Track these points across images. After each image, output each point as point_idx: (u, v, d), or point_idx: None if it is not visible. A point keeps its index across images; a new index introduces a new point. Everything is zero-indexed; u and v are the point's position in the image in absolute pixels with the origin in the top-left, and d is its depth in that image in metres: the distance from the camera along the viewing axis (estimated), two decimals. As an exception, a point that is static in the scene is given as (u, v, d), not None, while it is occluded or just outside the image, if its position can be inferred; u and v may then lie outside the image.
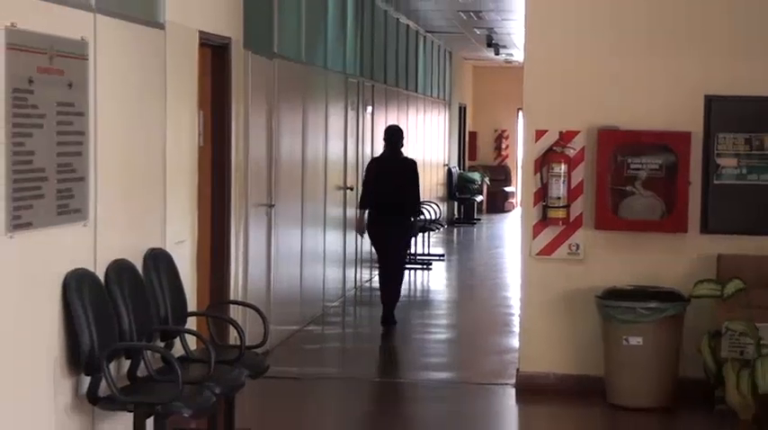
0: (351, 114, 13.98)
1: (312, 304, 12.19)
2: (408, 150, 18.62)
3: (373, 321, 12.81)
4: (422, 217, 16.41)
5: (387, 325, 12.38)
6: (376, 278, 15.61)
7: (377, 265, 14.72)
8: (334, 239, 13.28)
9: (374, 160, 13.35)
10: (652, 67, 8.88)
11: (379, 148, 15.72)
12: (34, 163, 5.76)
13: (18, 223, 5.60)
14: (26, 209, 5.68)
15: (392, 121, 17.12)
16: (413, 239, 13.47)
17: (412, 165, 12.88)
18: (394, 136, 12.85)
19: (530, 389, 8.98)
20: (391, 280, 12.62)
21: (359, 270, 14.83)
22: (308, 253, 11.94)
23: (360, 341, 12.16)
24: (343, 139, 13.64)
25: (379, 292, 12.70)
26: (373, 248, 13.21)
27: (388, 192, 12.38)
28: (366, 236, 13.14)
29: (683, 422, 8.28)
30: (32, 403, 5.86)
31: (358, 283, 14.79)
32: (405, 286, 13.11)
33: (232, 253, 9.18)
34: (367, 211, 12.58)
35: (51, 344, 6.02)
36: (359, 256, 14.89)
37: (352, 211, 13.99)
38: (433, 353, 11.44)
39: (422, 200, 13.92)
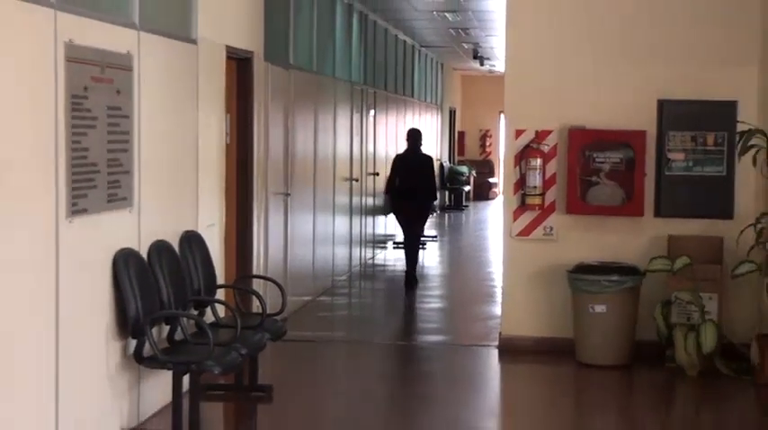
0: (356, 116, 13.94)
1: (323, 278, 12.17)
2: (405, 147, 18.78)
3: (375, 292, 12.89)
4: (437, 200, 17.52)
5: (410, 284, 13.14)
6: (379, 256, 15.75)
7: (386, 244, 14.91)
8: (341, 223, 13.24)
9: (398, 156, 13.93)
10: (613, 76, 8.88)
11: (380, 145, 15.93)
12: (88, 158, 5.82)
13: (76, 209, 5.67)
14: (82, 197, 5.74)
15: (392, 123, 17.23)
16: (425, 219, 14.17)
17: (429, 160, 13.62)
18: (415, 137, 13.66)
19: (510, 350, 9.00)
20: (413, 248, 13.44)
21: (363, 249, 14.76)
22: (319, 234, 11.90)
23: (364, 309, 12.16)
24: (349, 138, 13.59)
25: (381, 270, 12.79)
26: (398, 224, 13.99)
27: (410, 181, 13.20)
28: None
29: (639, 377, 8.28)
30: (89, 362, 5.92)
31: (362, 261, 14.71)
32: (403, 262, 13.25)
33: (254, 234, 9.20)
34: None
35: (103, 312, 6.08)
36: (363, 238, 14.84)
37: (357, 199, 14.10)
38: (428, 320, 11.43)
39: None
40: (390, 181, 13.63)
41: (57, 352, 5.53)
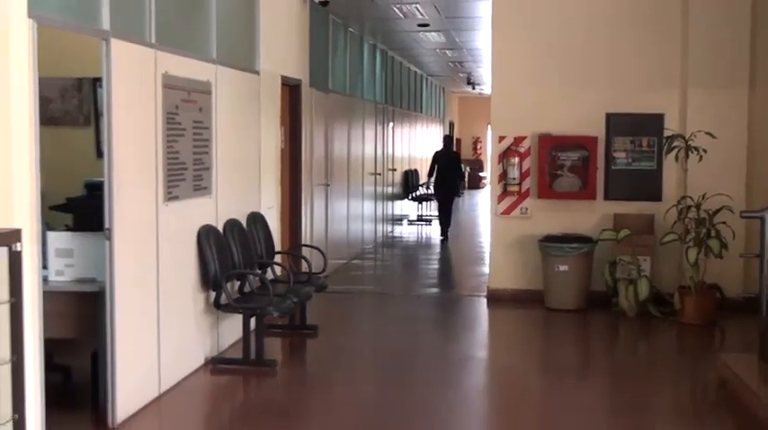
0: (378, 127, 13.94)
1: (355, 246, 12.20)
2: (417, 150, 18.83)
3: (394, 257, 12.92)
4: (464, 183, 20.68)
5: (444, 240, 14.40)
6: (396, 230, 15.78)
7: (402, 221, 14.90)
8: (368, 206, 13.25)
9: (437, 152, 15.18)
10: (573, 96, 8.85)
11: (397, 149, 16.07)
12: (179, 158, 5.86)
13: (170, 196, 5.73)
14: (175, 187, 5.79)
15: (405, 132, 17.29)
16: (456, 197, 15.78)
17: (458, 156, 15.45)
18: (448, 140, 15.70)
19: (495, 299, 9.01)
20: (446, 216, 14.59)
21: (384, 225, 14.77)
22: (351, 214, 11.93)
23: (386, 269, 12.18)
24: (373, 143, 13.59)
25: (398, 241, 12.74)
26: (436, 200, 15.34)
27: (444, 171, 14.45)
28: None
29: (592, 318, 8.28)
30: (181, 308, 6.00)
31: (384, 234, 14.70)
32: (415, 235, 13.39)
33: (302, 214, 9.22)
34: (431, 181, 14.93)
35: (191, 271, 6.14)
36: (384, 217, 14.81)
37: (380, 188, 14.11)
38: (433, 277, 11.46)
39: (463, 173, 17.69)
40: (431, 169, 14.83)
41: (158, 299, 5.59)
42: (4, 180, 4.00)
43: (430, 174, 15.06)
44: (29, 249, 4.01)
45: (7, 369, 3.64)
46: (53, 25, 4.45)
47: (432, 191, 15.82)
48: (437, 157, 14.83)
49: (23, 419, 3.66)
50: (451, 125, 27.34)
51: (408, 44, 14.12)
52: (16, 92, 4.03)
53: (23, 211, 4.07)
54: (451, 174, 14.52)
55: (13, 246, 3.58)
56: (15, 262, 3.59)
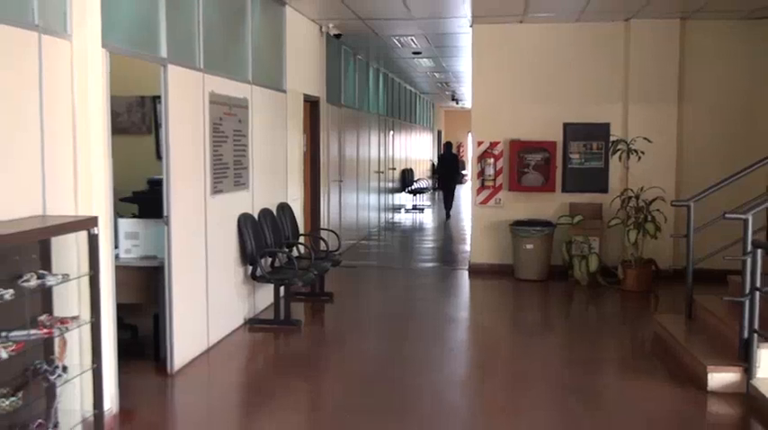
0: (381, 135, 13.92)
1: (362, 230, 12.19)
2: (412, 153, 18.77)
3: (393, 238, 12.86)
4: (464, 176, 22.23)
5: (448, 218, 15.55)
6: (396, 218, 15.76)
7: (400, 210, 14.86)
8: (373, 198, 13.22)
9: (441, 155, 16.72)
10: (537, 109, 8.83)
11: (396, 152, 15.98)
12: (222, 160, 5.87)
13: (216, 190, 5.74)
14: (219, 182, 5.81)
15: (405, 140, 17.35)
16: (456, 185, 16.86)
17: (457, 157, 16.57)
18: (448, 145, 16.34)
19: (475, 271, 9.02)
20: (449, 201, 15.96)
21: (385, 213, 14.75)
22: (360, 204, 11.91)
23: (387, 248, 12.13)
24: (377, 147, 13.55)
25: (397, 226, 12.70)
26: (440, 190, 16.63)
27: (447, 168, 15.98)
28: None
29: (552, 286, 8.28)
30: (225, 278, 6.01)
31: (385, 220, 14.68)
32: (411, 219, 13.38)
33: (321, 204, 9.21)
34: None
35: (233, 250, 6.16)
36: (385, 206, 14.79)
37: (382, 184, 14.08)
38: (425, 253, 11.40)
39: (462, 171, 20.02)
40: (438, 166, 16.49)
41: (206, 272, 5.62)
42: (85, 178, 4.02)
43: (437, 171, 16.73)
44: (103, 233, 4.03)
45: (87, 328, 3.67)
46: (122, 53, 4.46)
47: (437, 182, 17.79)
48: (441, 158, 16.54)
49: (101, 368, 3.71)
50: (439, 133, 27.23)
51: (404, 68, 14.05)
52: (93, 108, 4.04)
53: (99, 203, 4.09)
54: (451, 170, 16.02)
55: (92, 230, 3.62)
56: (93, 243, 3.62)
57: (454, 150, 17.41)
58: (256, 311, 6.69)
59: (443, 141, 19.77)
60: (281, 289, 6.39)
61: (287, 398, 4.76)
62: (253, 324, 6.41)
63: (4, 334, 3.10)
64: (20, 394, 3.07)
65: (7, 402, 2.92)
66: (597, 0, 7.59)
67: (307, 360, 5.65)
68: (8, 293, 2.97)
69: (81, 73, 3.97)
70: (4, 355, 2.88)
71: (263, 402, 4.69)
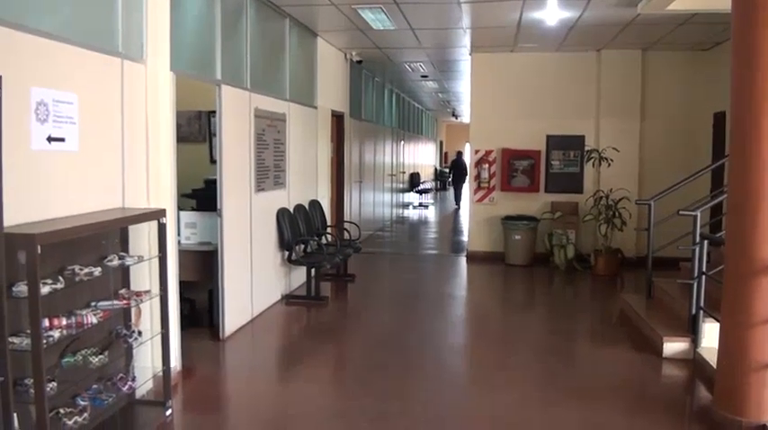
0: (394, 144, 13.90)
1: (378, 222, 12.15)
2: (419, 159, 18.74)
3: (403, 230, 12.82)
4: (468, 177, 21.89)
5: (458, 209, 16.54)
6: (405, 213, 15.74)
7: (409, 206, 14.83)
8: (387, 195, 13.20)
9: (453, 161, 18.05)
10: (524, 123, 8.81)
11: (406, 159, 15.94)
12: (264, 164, 5.88)
13: (259, 188, 5.75)
14: (262, 182, 5.82)
15: (414, 148, 17.34)
16: (463, 183, 17.48)
17: (465, 163, 16.93)
18: (459, 154, 17.74)
19: (472, 257, 9.01)
20: (458, 195, 17.41)
21: (397, 209, 14.74)
22: (376, 201, 11.87)
23: (399, 238, 12.08)
24: (391, 155, 13.55)
25: (407, 219, 12.64)
26: (452, 188, 18.09)
27: (457, 171, 17.43)
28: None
29: (536, 271, 8.25)
30: (267, 261, 6.02)
31: (398, 214, 14.69)
32: (417, 216, 13.33)
33: (345, 201, 9.21)
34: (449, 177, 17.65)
35: (273, 238, 6.16)
36: (397, 203, 14.73)
37: (395, 185, 14.02)
38: (430, 242, 11.34)
39: (468, 174, 19.98)
40: (450, 169, 17.82)
41: (251, 256, 5.65)
42: (155, 178, 4.08)
43: (450, 171, 18.24)
44: (170, 222, 4.09)
45: (157, 300, 3.75)
46: (186, 76, 4.51)
47: (450, 181, 19.59)
48: (452, 164, 18.17)
49: (168, 333, 3.78)
50: (441, 143, 27.11)
51: (413, 89, 14.04)
52: (163, 121, 4.11)
53: (166, 198, 4.16)
54: (461, 171, 17.32)
55: (161, 220, 3.69)
56: (162, 230, 3.69)
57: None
58: (291, 289, 6.73)
59: (453, 151, 20.61)
60: (312, 270, 6.40)
61: (316, 358, 4.83)
62: (288, 299, 6.44)
63: (93, 304, 3.19)
64: (106, 353, 3.16)
65: (97, 359, 3.02)
66: (574, 34, 7.59)
67: (332, 328, 5.69)
68: (97, 271, 3.06)
69: (153, 92, 4.03)
70: (95, 321, 2.97)
71: (297, 361, 4.76)
